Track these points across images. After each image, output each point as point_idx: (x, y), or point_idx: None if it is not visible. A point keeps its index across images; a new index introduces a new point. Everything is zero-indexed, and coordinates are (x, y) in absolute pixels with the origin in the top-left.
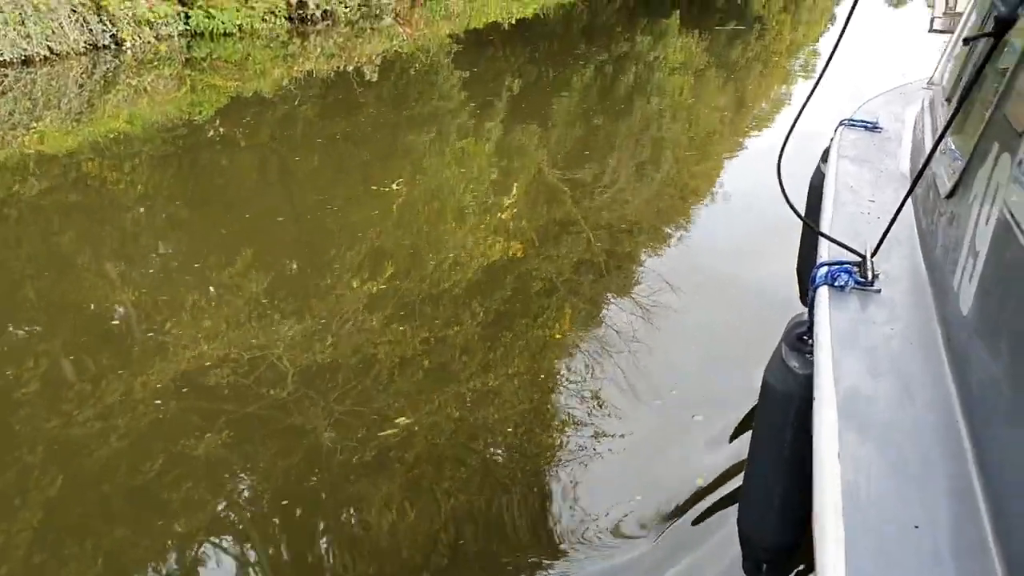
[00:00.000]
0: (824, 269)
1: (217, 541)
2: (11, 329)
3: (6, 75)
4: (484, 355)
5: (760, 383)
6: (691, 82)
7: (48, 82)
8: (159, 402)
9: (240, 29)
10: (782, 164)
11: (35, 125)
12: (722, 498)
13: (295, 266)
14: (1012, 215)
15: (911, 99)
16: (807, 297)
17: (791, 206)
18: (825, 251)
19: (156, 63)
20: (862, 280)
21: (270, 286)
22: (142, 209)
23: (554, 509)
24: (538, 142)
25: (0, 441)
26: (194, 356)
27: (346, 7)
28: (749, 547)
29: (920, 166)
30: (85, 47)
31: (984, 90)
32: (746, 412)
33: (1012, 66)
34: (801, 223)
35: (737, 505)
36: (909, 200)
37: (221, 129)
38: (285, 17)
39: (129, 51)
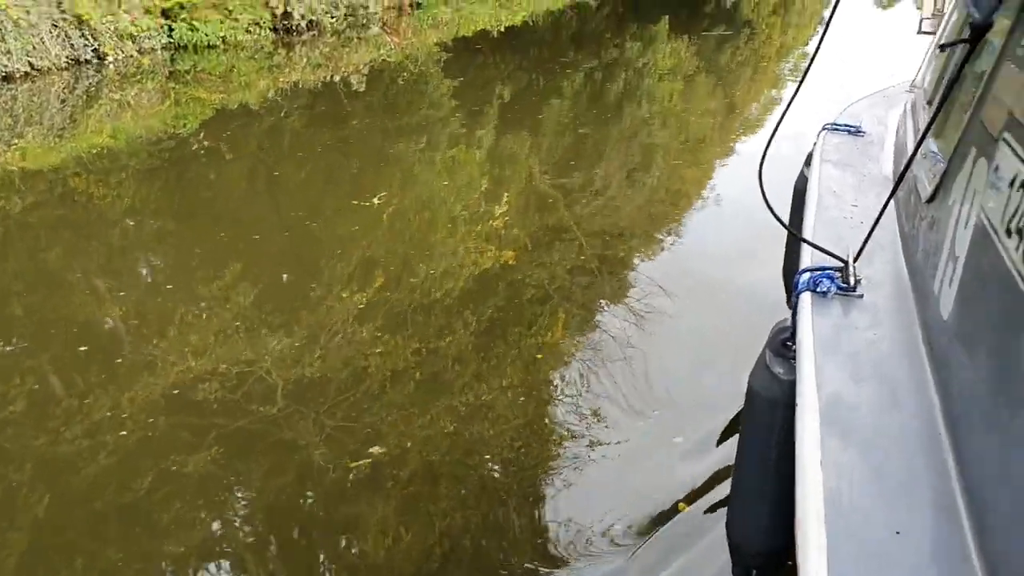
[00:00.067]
0: (807, 275)
1: (210, 563)
2: None
3: None
4: (477, 365)
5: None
6: (681, 87)
7: (29, 98)
8: (148, 418)
9: (224, 41)
10: (763, 169)
11: (17, 142)
12: (712, 503)
13: (285, 278)
14: (989, 220)
15: (894, 102)
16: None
17: (772, 212)
18: (808, 257)
19: (139, 77)
20: (844, 285)
21: (259, 299)
22: (127, 224)
23: (548, 518)
24: (529, 149)
25: None
26: (182, 371)
27: (332, 17)
28: (738, 553)
29: (901, 170)
30: (67, 62)
31: (962, 95)
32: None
33: (987, 71)
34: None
35: (726, 510)
36: (892, 204)
37: (206, 142)
38: (270, 28)
39: (112, 65)
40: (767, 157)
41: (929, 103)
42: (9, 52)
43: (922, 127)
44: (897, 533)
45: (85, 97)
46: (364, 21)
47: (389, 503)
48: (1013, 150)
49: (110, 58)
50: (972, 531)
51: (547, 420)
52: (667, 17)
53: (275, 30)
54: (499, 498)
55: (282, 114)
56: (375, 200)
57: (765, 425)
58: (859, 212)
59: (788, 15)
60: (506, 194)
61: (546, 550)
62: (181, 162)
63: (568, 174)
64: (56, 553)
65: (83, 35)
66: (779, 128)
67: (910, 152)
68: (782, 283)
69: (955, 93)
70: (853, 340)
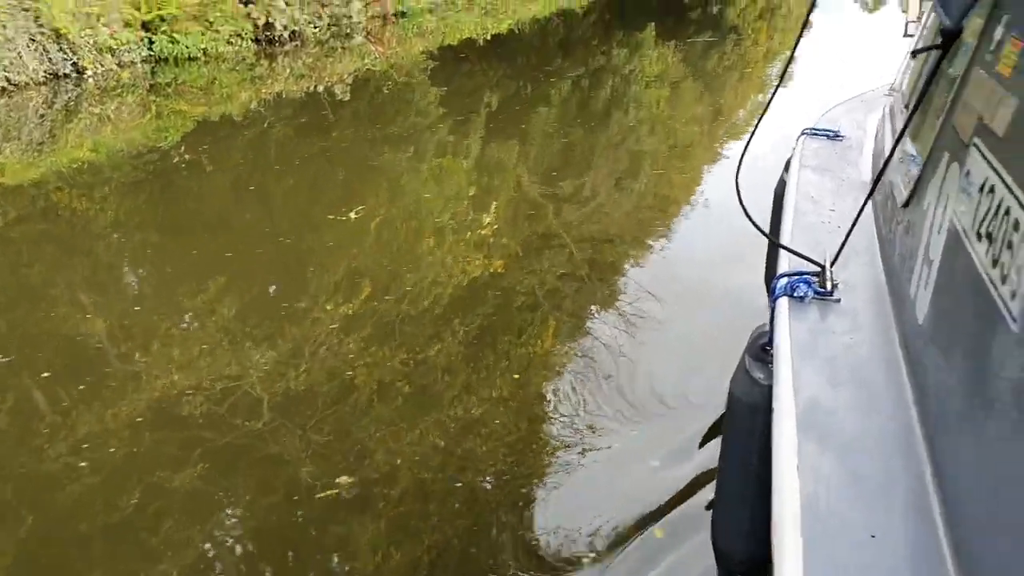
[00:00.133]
0: (784, 280)
1: None
2: None
3: None
4: (467, 376)
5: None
6: (668, 93)
7: (7, 113)
8: (133, 434)
9: (205, 53)
10: (742, 175)
11: None
12: (696, 507)
13: (271, 290)
14: (961, 224)
15: (873, 106)
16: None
17: (749, 218)
18: (785, 262)
19: (119, 90)
20: (821, 290)
21: (245, 312)
22: (109, 238)
23: (536, 524)
24: (517, 157)
25: None
26: (167, 385)
27: (315, 27)
28: (722, 559)
29: (876, 175)
30: (45, 76)
31: (935, 100)
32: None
33: (959, 77)
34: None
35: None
36: (870, 209)
37: (187, 155)
38: (252, 39)
39: (91, 79)
40: (749, 163)
41: (906, 107)
42: None
43: (899, 132)
44: (873, 537)
45: (64, 111)
46: (348, 31)
47: (379, 522)
48: (983, 155)
49: (89, 72)
50: (947, 533)
51: (538, 429)
52: (653, 24)
53: (257, 41)
54: (489, 507)
55: (265, 125)
56: (351, 214)
57: (746, 430)
58: (837, 217)
59: (774, 20)
60: (495, 202)
61: (534, 556)
62: (163, 175)
63: (557, 181)
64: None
65: (61, 49)
66: (754, 136)
67: (887, 157)
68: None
69: (928, 98)
70: (830, 344)
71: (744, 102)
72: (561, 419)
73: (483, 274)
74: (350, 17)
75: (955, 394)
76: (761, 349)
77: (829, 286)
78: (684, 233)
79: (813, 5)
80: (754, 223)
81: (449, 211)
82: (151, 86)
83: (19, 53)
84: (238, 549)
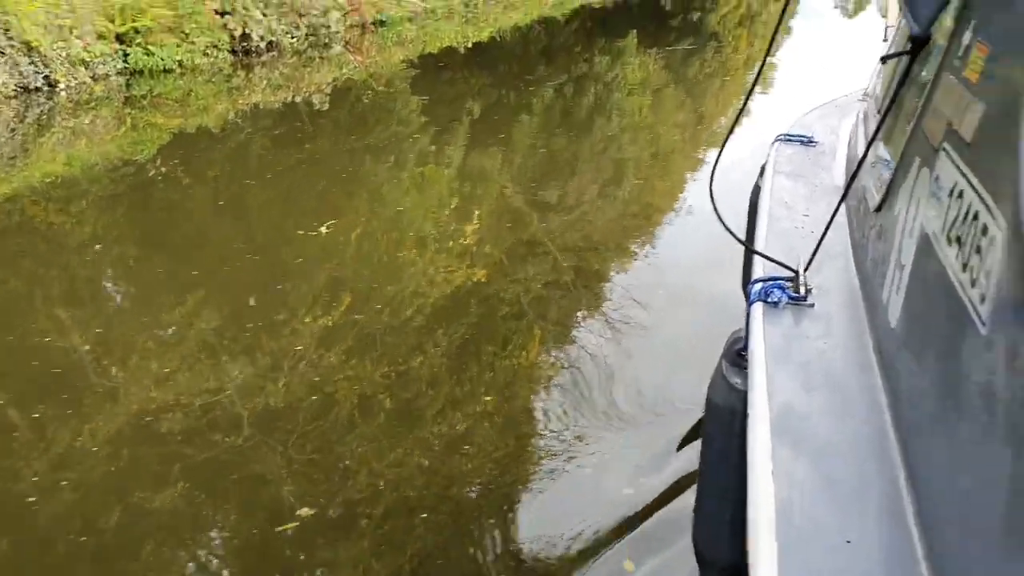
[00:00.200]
0: (758, 285)
1: None
2: None
3: None
4: (451, 388)
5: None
6: (650, 100)
7: None
8: (111, 451)
9: (181, 65)
10: (716, 181)
11: None
12: (679, 511)
13: (252, 302)
14: (931, 229)
15: (846, 112)
16: None
17: (723, 223)
18: (760, 267)
19: (93, 104)
20: (795, 295)
21: (224, 325)
22: (83, 254)
23: (520, 529)
24: (500, 165)
25: None
26: (146, 400)
27: (292, 37)
28: (705, 565)
29: (848, 180)
30: (15, 90)
31: (905, 106)
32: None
33: (928, 83)
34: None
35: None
36: (844, 214)
37: (163, 168)
38: (228, 50)
39: (64, 92)
40: (729, 168)
41: (878, 112)
42: None
43: (871, 137)
44: (848, 542)
45: (37, 125)
46: (326, 41)
47: (362, 541)
48: (952, 160)
49: (62, 85)
50: (921, 537)
51: (523, 439)
52: (635, 31)
53: (234, 52)
54: (472, 515)
55: (242, 137)
56: (322, 228)
57: (724, 436)
58: (810, 222)
59: (754, 26)
60: (478, 210)
61: (517, 561)
62: (139, 188)
63: (540, 189)
64: None
65: (32, 62)
66: (727, 143)
67: (859, 162)
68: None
69: (899, 104)
70: (804, 349)
71: (726, 109)
72: (547, 429)
73: (466, 283)
74: (328, 27)
75: (927, 398)
76: (737, 354)
77: (803, 291)
78: (668, 239)
79: (784, 12)
80: (728, 229)
81: (433, 219)
82: (126, 99)
83: None
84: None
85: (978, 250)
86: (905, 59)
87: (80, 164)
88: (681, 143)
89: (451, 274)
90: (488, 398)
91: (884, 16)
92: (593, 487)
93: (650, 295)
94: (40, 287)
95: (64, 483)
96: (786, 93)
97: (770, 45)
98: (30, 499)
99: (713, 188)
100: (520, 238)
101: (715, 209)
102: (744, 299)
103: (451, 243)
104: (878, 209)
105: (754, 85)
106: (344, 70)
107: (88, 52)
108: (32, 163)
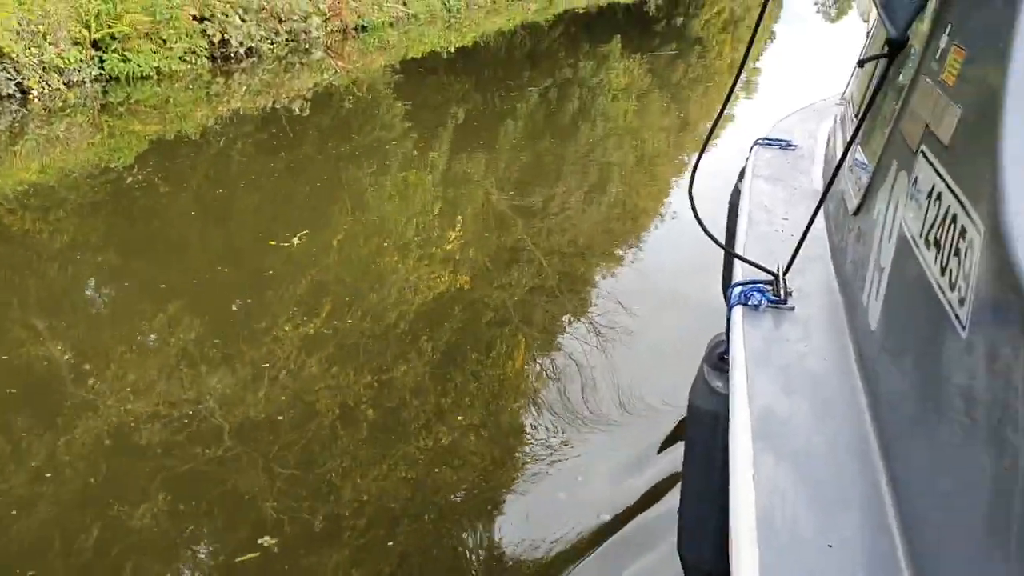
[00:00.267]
0: (738, 289)
1: None
2: None
3: None
4: (437, 399)
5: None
6: (635, 105)
7: None
8: (89, 465)
9: (158, 71)
10: (696, 185)
11: None
12: (663, 514)
13: (233, 308)
14: (910, 231)
15: (824, 116)
16: None
17: (703, 227)
18: (740, 271)
19: (68, 111)
20: (775, 298)
21: (205, 334)
22: (59, 263)
23: (501, 533)
24: (485, 170)
25: None
26: (124, 412)
27: (272, 43)
28: (689, 570)
29: (827, 183)
30: None
31: (883, 109)
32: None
33: (905, 86)
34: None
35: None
36: (823, 217)
37: (140, 176)
38: (207, 57)
39: (37, 100)
40: (712, 172)
41: (856, 116)
42: None
43: (849, 140)
44: (830, 546)
45: (8, 133)
46: (307, 46)
47: (343, 550)
48: (930, 163)
49: (35, 92)
50: (902, 539)
51: (509, 443)
52: (619, 36)
53: (212, 58)
54: (455, 519)
55: (222, 144)
56: (295, 239)
57: (707, 440)
58: (789, 225)
59: (737, 31)
60: (462, 215)
61: (500, 563)
62: (116, 196)
63: (525, 194)
64: None
65: (4, 68)
66: (706, 148)
67: (837, 165)
68: None
69: (877, 107)
70: (784, 352)
71: (710, 113)
72: (533, 434)
73: (450, 289)
74: (309, 32)
75: (907, 400)
76: (719, 358)
77: (783, 294)
78: (653, 243)
79: (761, 17)
80: (708, 233)
81: (417, 225)
82: (103, 106)
83: None
84: None
85: (956, 252)
86: (882, 63)
87: (55, 172)
88: (666, 147)
89: (434, 280)
90: (473, 406)
91: (866, 21)
92: (578, 489)
93: (635, 299)
94: (24, 294)
95: (39, 498)
96: (768, 98)
97: (748, 51)
98: (2, 516)
99: (693, 192)
100: (504, 243)
101: (695, 213)
102: (725, 302)
103: (435, 249)
104: (856, 212)
105: (731, 91)
106: (325, 76)
107: (62, 58)
108: (5, 171)
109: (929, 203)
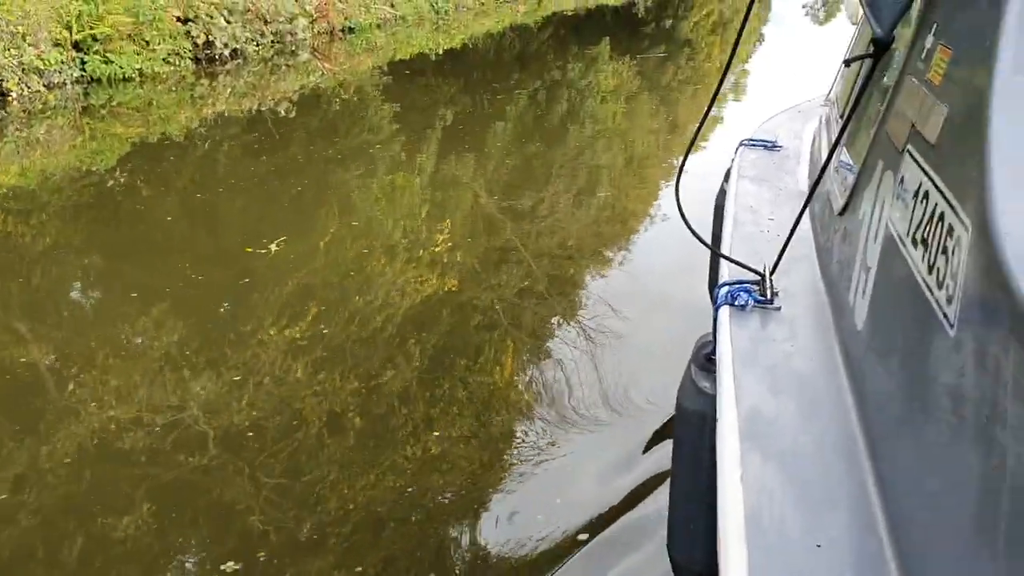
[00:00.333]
0: (725, 289)
1: None
2: None
3: None
4: (425, 405)
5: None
6: (624, 107)
7: None
8: (72, 472)
9: (141, 73)
10: (681, 186)
11: None
12: (651, 513)
13: (220, 311)
14: (896, 231)
15: (810, 116)
16: None
17: (689, 228)
18: (726, 271)
19: (49, 113)
20: (762, 298)
21: (189, 340)
22: (39, 266)
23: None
24: (473, 172)
25: None
26: (107, 418)
27: (257, 44)
28: (678, 570)
29: (813, 183)
30: None
31: (869, 109)
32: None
33: (891, 85)
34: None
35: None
36: (808, 217)
37: (122, 179)
38: (191, 58)
39: (16, 102)
40: (700, 174)
41: (841, 116)
42: None
43: (834, 140)
44: (818, 546)
45: None
46: (293, 48)
47: (329, 556)
48: (916, 162)
49: (14, 94)
50: (890, 539)
51: (497, 445)
52: (608, 39)
53: (197, 60)
54: (442, 520)
55: (206, 146)
56: (272, 246)
57: (695, 440)
58: (775, 226)
59: (726, 33)
60: (451, 218)
61: (485, 562)
62: (98, 200)
63: (514, 196)
64: None
65: None
66: (691, 149)
67: (822, 165)
68: None
69: (862, 107)
70: (771, 353)
71: (699, 115)
72: (521, 436)
73: (438, 292)
74: (295, 34)
75: (895, 400)
76: (706, 359)
77: (769, 294)
78: (642, 245)
79: (746, 19)
80: (695, 233)
81: (405, 227)
82: (84, 108)
83: None
84: None
85: (944, 251)
86: (868, 62)
87: (35, 175)
88: (655, 150)
89: (422, 284)
90: (462, 414)
91: (855, 23)
92: (565, 489)
93: (624, 301)
94: (5, 297)
95: (20, 508)
96: (755, 99)
97: (733, 52)
98: None
99: (679, 192)
100: (493, 246)
101: (681, 213)
102: (711, 303)
103: (423, 252)
104: (842, 212)
105: (716, 92)
106: (312, 77)
107: (43, 60)
108: None
109: (916, 202)
